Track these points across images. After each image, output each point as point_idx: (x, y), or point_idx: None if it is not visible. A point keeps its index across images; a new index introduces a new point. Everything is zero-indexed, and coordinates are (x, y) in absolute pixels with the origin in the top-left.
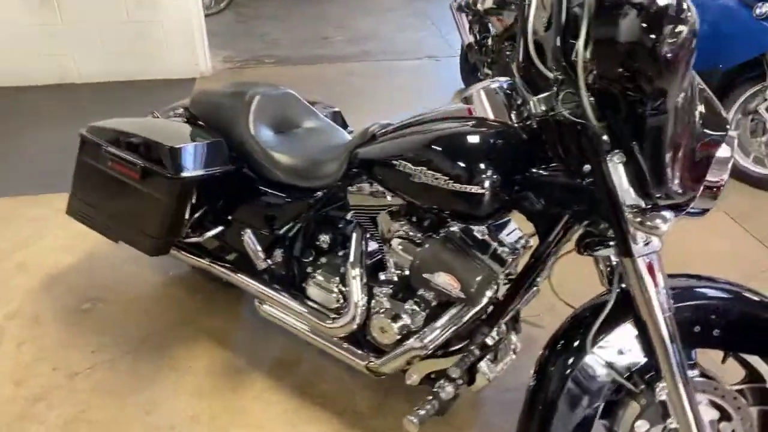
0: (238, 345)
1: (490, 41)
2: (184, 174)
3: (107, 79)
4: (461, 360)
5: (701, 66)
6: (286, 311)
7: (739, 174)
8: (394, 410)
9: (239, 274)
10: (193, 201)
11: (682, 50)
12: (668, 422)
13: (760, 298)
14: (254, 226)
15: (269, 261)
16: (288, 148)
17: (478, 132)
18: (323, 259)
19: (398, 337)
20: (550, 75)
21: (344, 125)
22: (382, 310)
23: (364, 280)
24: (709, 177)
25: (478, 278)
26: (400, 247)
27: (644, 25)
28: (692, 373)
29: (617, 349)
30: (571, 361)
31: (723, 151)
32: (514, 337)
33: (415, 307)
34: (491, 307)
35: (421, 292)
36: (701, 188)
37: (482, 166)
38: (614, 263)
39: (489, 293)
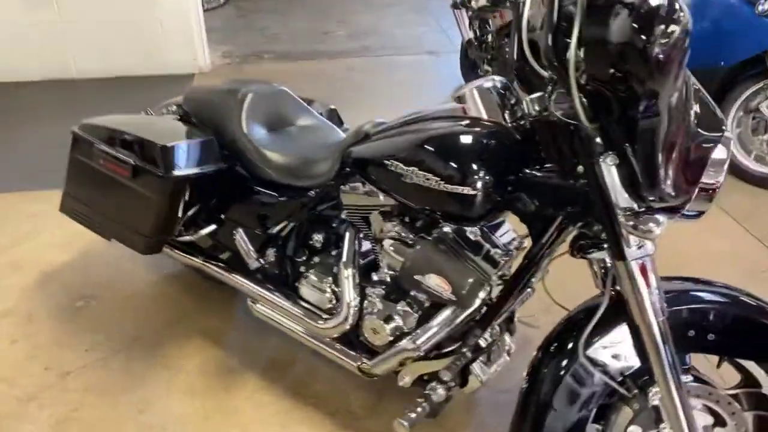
0: (232, 344)
1: (489, 37)
2: (176, 173)
3: (105, 74)
4: (452, 362)
5: (703, 63)
6: (278, 311)
7: (739, 172)
8: (388, 411)
9: (232, 274)
10: (186, 199)
11: (674, 51)
12: (661, 427)
13: (757, 302)
14: (247, 225)
15: (262, 260)
16: (281, 146)
17: (470, 132)
18: (316, 259)
19: (390, 338)
20: (545, 74)
21: (340, 123)
22: (374, 311)
23: (357, 281)
24: (705, 179)
25: (470, 280)
26: (391, 248)
27: (635, 25)
28: (686, 377)
29: (610, 353)
30: (563, 364)
31: (719, 153)
32: (507, 339)
33: (408, 309)
34: (485, 309)
35: (413, 293)
36: (696, 191)
37: (474, 166)
38: (609, 265)
39: (481, 295)
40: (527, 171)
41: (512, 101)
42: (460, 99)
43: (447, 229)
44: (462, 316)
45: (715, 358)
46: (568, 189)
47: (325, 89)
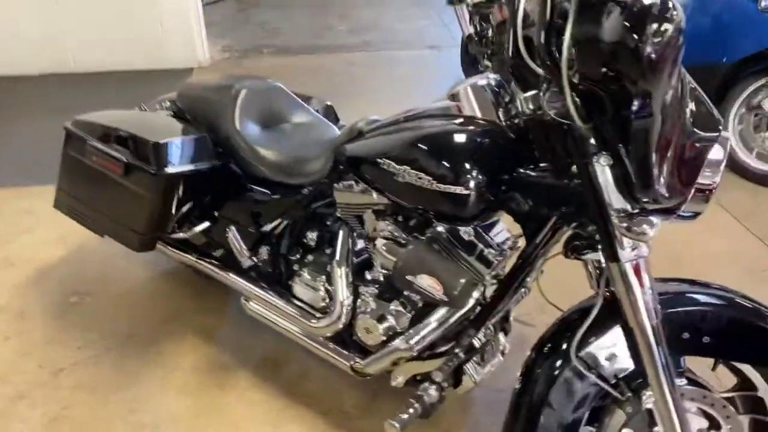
0: (226, 342)
1: (490, 32)
2: (168, 170)
3: (103, 68)
4: (445, 363)
5: (704, 60)
6: (271, 309)
7: (740, 170)
8: (381, 411)
9: (225, 271)
10: (179, 196)
11: (667, 50)
12: (655, 430)
13: (753, 305)
14: (240, 222)
15: (255, 258)
16: (274, 143)
17: (463, 131)
18: (310, 257)
19: (383, 338)
20: (541, 72)
21: (336, 119)
22: (367, 310)
23: (350, 279)
24: (701, 179)
25: (462, 281)
26: (384, 247)
27: (627, 24)
28: (680, 380)
29: (604, 355)
30: (556, 365)
31: (716, 153)
32: (502, 339)
33: (401, 308)
34: (479, 309)
35: (406, 292)
36: (692, 192)
37: (467, 166)
38: (603, 266)
39: (474, 296)
40: (521, 170)
41: (507, 99)
42: (454, 97)
43: (440, 228)
44: (455, 317)
45: (711, 361)
46: (562, 189)
47: (325, 84)
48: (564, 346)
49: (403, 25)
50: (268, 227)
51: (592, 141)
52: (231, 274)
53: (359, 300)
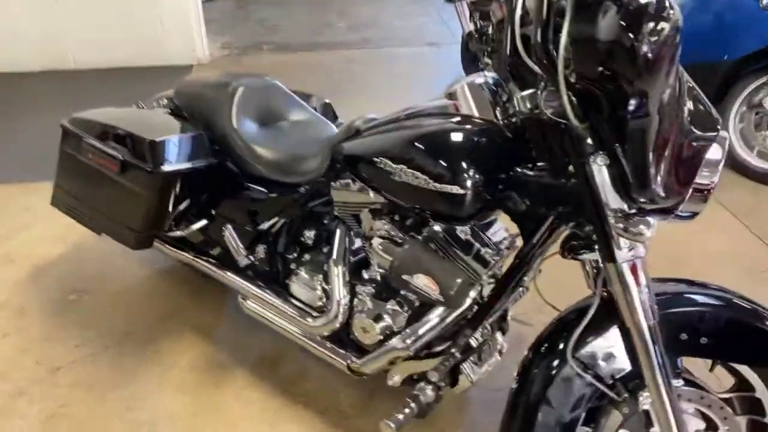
0: (224, 340)
1: (490, 30)
2: (164, 168)
3: (103, 65)
4: (441, 363)
5: (706, 57)
6: (268, 308)
7: (741, 168)
8: (378, 410)
9: (222, 270)
10: (176, 194)
11: (664, 49)
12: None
13: (752, 305)
14: (237, 220)
15: (251, 257)
16: (271, 141)
17: (460, 130)
18: (307, 256)
19: (380, 337)
20: (538, 70)
21: (334, 117)
22: (364, 310)
23: (347, 278)
24: (699, 179)
25: (458, 281)
26: (380, 246)
27: (623, 23)
28: (678, 381)
29: (601, 355)
30: (553, 365)
31: (714, 153)
32: (500, 338)
33: (397, 308)
34: (476, 308)
35: (403, 292)
36: (689, 192)
37: (464, 165)
38: (601, 266)
39: (470, 296)
40: (518, 170)
41: (504, 98)
42: (451, 95)
43: (437, 228)
44: (451, 317)
45: (710, 361)
46: (559, 188)
47: (325, 81)
48: (561, 346)
49: (403, 22)
50: (265, 226)
51: (589, 140)
52: (228, 273)
53: (356, 299)
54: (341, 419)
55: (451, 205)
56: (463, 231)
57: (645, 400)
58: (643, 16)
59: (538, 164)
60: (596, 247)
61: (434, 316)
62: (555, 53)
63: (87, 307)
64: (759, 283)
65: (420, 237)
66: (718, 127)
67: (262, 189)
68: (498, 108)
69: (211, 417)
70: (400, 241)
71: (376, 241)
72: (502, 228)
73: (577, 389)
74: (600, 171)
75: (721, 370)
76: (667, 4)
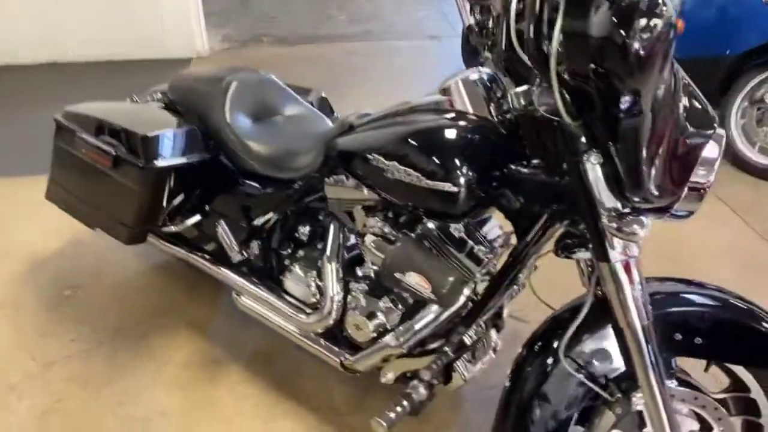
0: (219, 336)
1: (490, 23)
2: (157, 163)
3: (102, 58)
4: (434, 361)
5: (708, 52)
6: (262, 304)
7: (742, 164)
8: (371, 408)
9: (216, 266)
10: (170, 189)
11: (657, 46)
12: None
13: (748, 306)
14: (230, 216)
15: (245, 253)
16: (265, 136)
17: (453, 126)
18: (301, 252)
19: (373, 334)
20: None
21: (331, 111)
22: (357, 307)
23: (341, 275)
24: (695, 178)
25: (450, 279)
26: (372, 244)
27: (615, 19)
28: (672, 382)
29: (594, 355)
30: (547, 363)
31: (710, 151)
32: (494, 336)
33: (391, 305)
34: (470, 305)
35: (396, 289)
36: (684, 191)
37: (457, 162)
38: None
39: (464, 294)
40: (512, 167)
41: (499, 94)
42: (445, 91)
43: (431, 225)
44: (445, 315)
45: (705, 361)
46: (553, 186)
47: (325, 74)
48: (555, 345)
49: (403, 15)
50: (258, 221)
51: (583, 138)
52: (222, 269)
53: (350, 296)
54: (335, 416)
55: (444, 202)
56: (456, 229)
57: (638, 401)
58: (634, 12)
59: (533, 162)
60: (590, 246)
61: (427, 314)
62: (548, 49)
63: (82, 302)
64: (758, 279)
65: (413, 234)
66: (715, 124)
67: (256, 184)
68: (492, 104)
69: (205, 412)
70: (392, 238)
71: (368, 239)
72: (497, 225)
73: (570, 388)
74: (594, 169)
75: (717, 370)
76: (660, 0)
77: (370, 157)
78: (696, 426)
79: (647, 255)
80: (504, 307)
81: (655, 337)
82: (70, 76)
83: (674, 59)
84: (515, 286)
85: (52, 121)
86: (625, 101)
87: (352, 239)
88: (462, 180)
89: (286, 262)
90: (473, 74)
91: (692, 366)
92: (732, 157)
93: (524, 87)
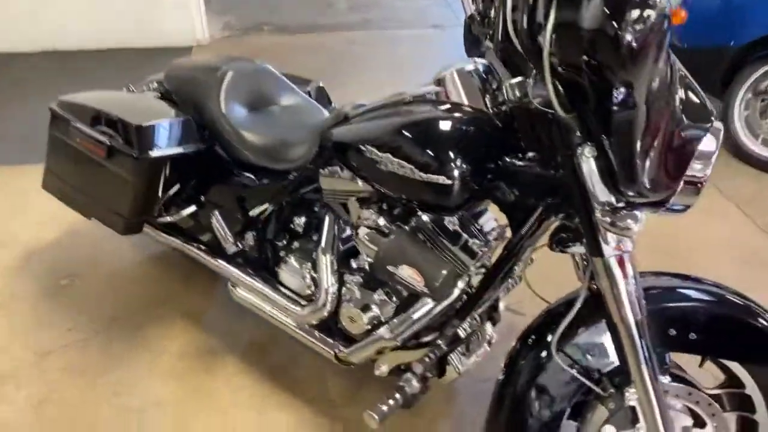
0: (214, 326)
1: (492, 12)
2: (151, 154)
3: (101, 46)
4: (426, 355)
5: (712, 42)
6: (257, 296)
7: (745, 156)
8: (366, 400)
9: (212, 256)
10: (165, 180)
11: (650, 37)
12: (637, 428)
13: (745, 302)
14: (226, 207)
15: (240, 244)
16: (260, 127)
17: (447, 118)
18: (296, 244)
19: (367, 327)
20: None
21: (328, 102)
22: (352, 299)
23: (335, 267)
24: (692, 172)
25: (443, 272)
26: (366, 236)
27: (607, 10)
28: (666, 378)
29: (588, 350)
30: (540, 357)
31: (707, 144)
32: (489, 329)
33: (385, 297)
34: (465, 298)
35: (390, 282)
36: (680, 185)
37: (451, 154)
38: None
39: (457, 287)
40: (507, 159)
41: (494, 86)
42: (439, 82)
43: (425, 218)
44: (439, 308)
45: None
46: (548, 179)
47: (326, 64)
48: (548, 339)
49: (405, 3)
50: (253, 212)
51: (578, 131)
52: (217, 260)
53: (344, 288)
54: (329, 408)
55: (438, 195)
56: (451, 221)
57: (631, 396)
58: (627, 3)
59: (528, 154)
60: (584, 240)
61: (422, 307)
62: (542, 40)
63: (78, 291)
64: (758, 273)
65: (407, 227)
66: (712, 118)
67: (251, 175)
68: (488, 96)
69: (200, 404)
70: (386, 231)
71: (362, 231)
72: (492, 218)
73: (563, 382)
74: (588, 163)
75: (713, 366)
76: None
77: (363, 148)
78: (689, 422)
79: (645, 249)
80: (500, 300)
81: (650, 332)
82: (68, 65)
83: (677, 50)
84: (511, 279)
85: (48, 110)
86: (617, 94)
87: (348, 231)
88: (456, 172)
89: (282, 253)
90: (469, 65)
91: (687, 361)
92: (734, 149)
93: (519, 78)
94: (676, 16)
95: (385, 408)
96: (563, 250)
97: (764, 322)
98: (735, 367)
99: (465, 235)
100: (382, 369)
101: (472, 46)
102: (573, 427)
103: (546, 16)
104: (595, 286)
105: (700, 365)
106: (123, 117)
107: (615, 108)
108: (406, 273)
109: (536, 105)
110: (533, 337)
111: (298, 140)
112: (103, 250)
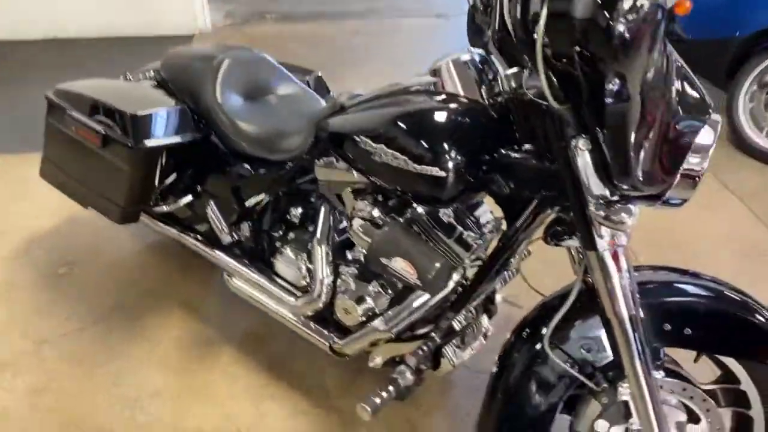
0: (212, 316)
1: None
2: (146, 143)
3: (103, 35)
4: (419, 347)
5: (717, 33)
6: (253, 286)
7: (749, 149)
8: (363, 391)
9: (208, 246)
10: (161, 169)
11: (642, 28)
12: (630, 423)
13: (743, 298)
14: (221, 197)
15: (235, 234)
16: (255, 116)
17: (442, 108)
18: (292, 234)
19: (362, 319)
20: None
21: (327, 92)
22: (346, 291)
23: (330, 258)
24: (689, 165)
25: (436, 265)
26: (360, 228)
27: (599, 0)
28: (660, 373)
29: (582, 344)
30: (534, 350)
31: (704, 137)
32: (485, 321)
33: (380, 290)
34: (460, 290)
35: (384, 274)
36: (676, 179)
37: (445, 146)
38: None
39: (451, 279)
40: (503, 151)
41: (490, 77)
42: (435, 72)
43: (420, 210)
44: (433, 300)
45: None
46: (544, 171)
47: (328, 53)
48: (543, 332)
49: None
50: (249, 203)
51: (572, 123)
52: (213, 250)
53: (339, 279)
54: (324, 399)
55: (432, 187)
56: (446, 213)
57: (624, 391)
58: None
59: (523, 146)
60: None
61: (416, 300)
62: (535, 30)
63: (77, 280)
64: (758, 267)
65: (401, 219)
66: (710, 110)
67: (247, 165)
68: (484, 87)
69: (197, 394)
70: (380, 222)
71: (356, 223)
72: (488, 210)
73: (556, 376)
74: (582, 155)
75: (710, 361)
76: None
77: (357, 139)
78: (684, 417)
79: (647, 241)
80: (496, 293)
81: (645, 326)
82: (70, 53)
83: (681, 41)
84: (507, 272)
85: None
86: (611, 85)
87: (344, 222)
88: (450, 164)
89: (278, 244)
90: (465, 55)
91: (684, 357)
92: (739, 141)
93: (514, 69)
94: (680, 7)
95: (377, 400)
96: (558, 244)
97: (761, 318)
98: (730, 362)
99: (460, 228)
100: (377, 361)
101: (476, 36)
102: (566, 420)
103: (540, 6)
104: (590, 280)
105: (695, 360)
106: (118, 106)
107: (608, 100)
108: (400, 265)
109: (531, 96)
110: (527, 330)
111: (294, 130)
112: (103, 239)
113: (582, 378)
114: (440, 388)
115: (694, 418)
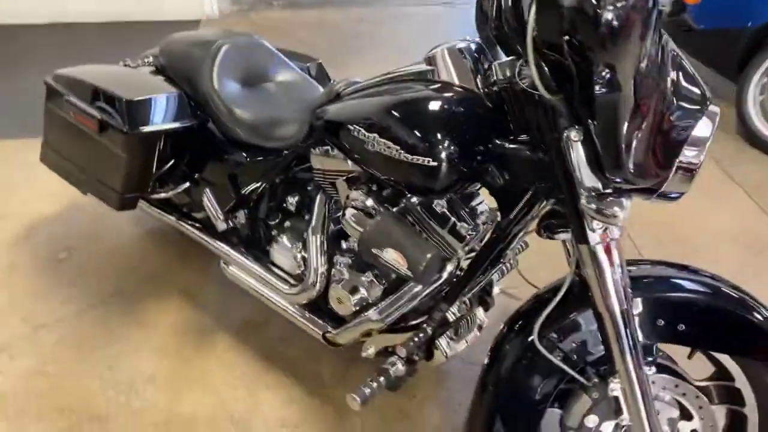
0: (209, 302)
1: None
2: (141, 129)
3: (106, 19)
4: (411, 338)
5: (728, 23)
6: (249, 274)
7: (758, 142)
8: (356, 380)
9: (205, 234)
10: (158, 155)
11: (632, 16)
12: (621, 419)
13: (740, 295)
14: (217, 184)
15: (231, 222)
16: (252, 103)
17: (435, 98)
18: (288, 223)
19: (355, 308)
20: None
21: (328, 79)
22: (340, 280)
23: (325, 247)
24: (685, 158)
25: (427, 256)
26: (352, 218)
27: None
28: (652, 368)
29: (573, 338)
30: (525, 343)
31: (702, 129)
32: (481, 313)
33: (373, 280)
34: (454, 281)
35: (376, 264)
36: (672, 172)
37: (438, 136)
38: None
39: (445, 270)
40: (497, 141)
41: (486, 65)
42: (430, 60)
43: (414, 200)
44: (426, 291)
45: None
46: (538, 163)
47: (332, 40)
48: (534, 324)
49: None
50: (245, 190)
51: (565, 114)
52: (210, 237)
53: (334, 269)
54: (318, 387)
55: (424, 177)
56: (439, 204)
57: (615, 386)
58: None
59: (518, 137)
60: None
61: (409, 291)
62: (524, 18)
63: (76, 265)
64: (761, 260)
65: (394, 209)
66: (708, 101)
67: (243, 152)
68: (479, 76)
69: (192, 381)
70: (372, 212)
71: (349, 212)
72: (484, 201)
73: (546, 369)
74: (575, 147)
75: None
76: None
77: (351, 128)
78: (676, 413)
79: (650, 233)
80: (493, 285)
81: (638, 321)
82: (73, 38)
83: (692, 31)
84: (505, 264)
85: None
86: (600, 76)
87: (339, 212)
88: (443, 154)
89: (274, 232)
90: (460, 43)
91: (680, 353)
92: (748, 134)
93: (509, 58)
94: None
95: (367, 390)
96: (551, 237)
97: (758, 317)
98: (725, 359)
99: (453, 219)
100: (370, 351)
101: (484, 24)
102: (557, 414)
103: None
104: (577, 276)
105: (690, 357)
106: (114, 91)
107: (598, 90)
108: (391, 256)
109: (524, 86)
110: (520, 322)
111: (291, 118)
112: (102, 224)
113: (571, 372)
114: (434, 378)
115: (686, 415)
